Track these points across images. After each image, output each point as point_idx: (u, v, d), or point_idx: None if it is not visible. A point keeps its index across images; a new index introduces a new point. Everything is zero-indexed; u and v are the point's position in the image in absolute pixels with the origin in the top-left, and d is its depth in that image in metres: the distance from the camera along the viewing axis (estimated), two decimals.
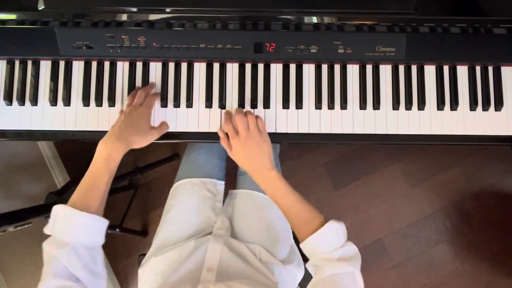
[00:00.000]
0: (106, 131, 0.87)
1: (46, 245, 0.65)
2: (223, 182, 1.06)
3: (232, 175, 1.13)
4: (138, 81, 0.88)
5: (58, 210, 0.67)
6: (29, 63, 0.88)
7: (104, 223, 0.72)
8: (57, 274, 0.62)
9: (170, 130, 0.88)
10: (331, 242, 0.69)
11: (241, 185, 1.04)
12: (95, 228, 0.69)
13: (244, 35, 0.85)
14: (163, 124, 0.87)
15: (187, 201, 1.00)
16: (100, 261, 0.69)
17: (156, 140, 0.89)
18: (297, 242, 0.98)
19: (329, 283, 0.65)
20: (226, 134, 0.84)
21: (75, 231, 0.66)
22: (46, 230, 0.68)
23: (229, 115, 0.87)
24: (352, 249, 0.70)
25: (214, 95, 0.88)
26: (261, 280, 0.80)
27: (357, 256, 0.69)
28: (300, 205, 0.75)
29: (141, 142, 0.80)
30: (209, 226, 0.96)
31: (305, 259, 0.83)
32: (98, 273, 0.67)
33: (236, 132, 0.82)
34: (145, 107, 0.82)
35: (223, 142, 0.84)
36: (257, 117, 0.84)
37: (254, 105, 0.88)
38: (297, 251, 0.99)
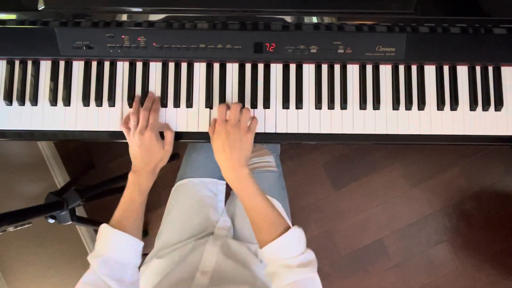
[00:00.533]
0: (106, 131, 0.88)
1: (88, 257, 0.72)
2: (224, 182, 1.06)
3: None
4: (138, 81, 0.88)
5: (100, 228, 0.76)
6: (29, 63, 0.88)
7: (137, 242, 0.76)
8: (85, 281, 0.69)
9: None
10: (293, 248, 0.69)
11: None
12: (127, 244, 0.75)
13: (244, 35, 0.85)
14: (167, 133, 0.86)
15: (188, 201, 1.00)
16: (129, 278, 0.72)
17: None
18: None
19: None
20: None
21: (109, 246, 0.73)
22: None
23: (226, 104, 0.86)
24: (311, 255, 0.70)
25: (214, 95, 0.88)
26: (257, 284, 0.80)
27: (315, 262, 0.70)
28: (266, 207, 0.75)
29: (162, 163, 0.85)
30: (210, 226, 0.96)
31: None
32: (126, 283, 0.71)
33: (226, 119, 0.81)
34: (151, 131, 0.82)
35: (210, 128, 0.84)
36: (253, 117, 0.83)
37: (254, 105, 0.88)
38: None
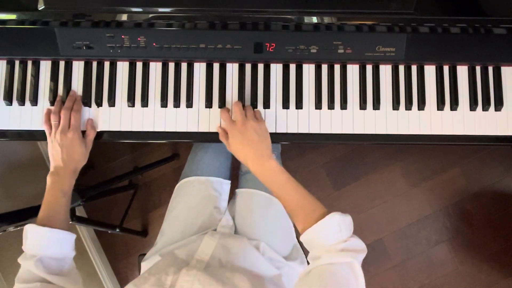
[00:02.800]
0: (106, 131, 0.88)
1: (19, 260, 0.71)
2: (229, 182, 1.06)
3: (236, 175, 1.13)
4: (138, 81, 0.88)
5: (27, 228, 0.74)
6: (29, 63, 0.88)
7: (69, 236, 0.76)
8: (21, 278, 0.69)
9: (170, 130, 0.88)
10: (331, 235, 0.65)
11: (242, 184, 1.05)
12: (59, 240, 0.74)
13: (244, 35, 0.85)
14: (89, 130, 0.86)
15: (193, 199, 1.00)
16: (67, 270, 0.74)
17: (156, 140, 0.90)
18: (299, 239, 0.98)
19: (324, 272, 0.61)
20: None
21: (40, 245, 0.72)
22: (23, 248, 0.74)
23: (226, 108, 0.86)
24: (356, 243, 0.66)
25: (214, 95, 0.88)
26: (253, 274, 0.79)
27: (362, 250, 0.65)
28: (301, 195, 0.72)
29: (84, 162, 0.85)
30: (213, 225, 0.96)
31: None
32: (68, 276, 0.72)
33: (233, 120, 0.81)
34: (73, 132, 0.82)
35: (222, 137, 0.83)
36: (254, 109, 0.83)
37: (254, 105, 0.88)
38: (300, 249, 0.98)
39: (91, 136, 0.86)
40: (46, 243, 0.72)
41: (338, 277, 0.60)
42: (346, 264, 0.62)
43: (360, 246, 0.66)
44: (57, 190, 0.79)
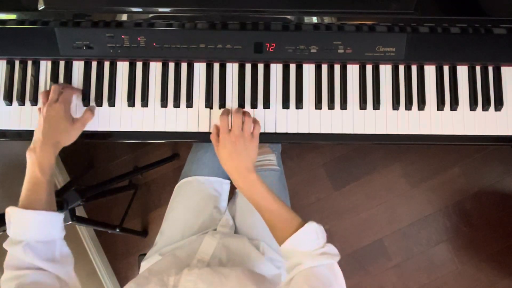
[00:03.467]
0: (106, 131, 0.88)
1: (4, 245, 0.68)
2: (229, 181, 1.06)
3: None
4: (138, 81, 0.88)
5: (9, 212, 0.70)
6: (29, 63, 0.88)
7: (56, 216, 0.73)
8: (11, 266, 0.65)
9: (170, 130, 0.88)
10: (310, 243, 0.69)
11: None
12: (45, 223, 0.70)
13: (244, 35, 0.85)
14: (86, 112, 0.84)
15: (193, 199, 1.00)
16: (57, 253, 0.70)
17: (156, 140, 0.90)
18: None
19: (308, 275, 0.64)
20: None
21: (26, 228, 0.68)
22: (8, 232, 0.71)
23: (227, 111, 0.86)
24: (332, 249, 0.69)
25: (214, 95, 0.88)
26: (254, 269, 0.80)
27: (337, 256, 0.69)
28: (279, 207, 0.75)
29: (68, 139, 0.81)
30: (213, 225, 0.97)
31: None
32: (58, 261, 0.69)
33: (229, 128, 0.81)
34: (60, 103, 0.79)
35: (213, 136, 0.83)
36: (255, 121, 0.83)
37: (254, 105, 0.88)
38: None
39: (85, 117, 0.83)
40: (31, 227, 0.69)
41: (322, 278, 0.64)
42: (327, 265, 0.66)
43: (335, 251, 0.70)
44: (35, 169, 0.73)
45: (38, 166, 0.74)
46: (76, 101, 0.87)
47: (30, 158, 0.75)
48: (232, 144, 0.78)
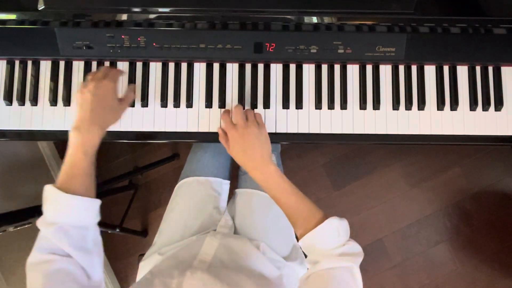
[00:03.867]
0: (106, 131, 0.87)
1: (37, 224, 0.65)
2: (228, 182, 1.06)
3: (235, 175, 1.14)
4: (138, 81, 0.88)
5: (46, 191, 0.67)
6: (29, 63, 0.88)
7: (92, 202, 0.69)
8: (41, 248, 0.62)
9: (170, 130, 0.88)
10: (330, 240, 0.67)
11: (242, 184, 1.05)
12: (81, 208, 0.67)
13: (244, 35, 0.85)
14: (129, 91, 0.83)
15: (192, 200, 1.00)
16: (90, 239, 0.67)
17: (156, 140, 0.90)
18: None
19: (325, 277, 0.62)
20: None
21: (61, 212, 0.66)
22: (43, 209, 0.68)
23: (227, 110, 0.86)
24: (354, 247, 0.67)
25: (214, 95, 0.88)
26: (255, 272, 0.80)
27: (360, 255, 0.67)
28: (300, 201, 0.73)
29: (115, 119, 0.79)
30: (213, 225, 0.97)
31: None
32: (89, 250, 0.66)
33: (234, 124, 0.80)
34: (109, 80, 0.76)
35: (221, 138, 0.82)
36: (255, 112, 0.83)
37: (254, 105, 0.88)
38: (300, 249, 0.98)
39: (129, 95, 0.81)
40: (66, 211, 0.65)
41: (338, 281, 0.61)
42: (346, 268, 0.63)
43: (357, 250, 0.67)
44: (78, 146, 0.69)
45: (82, 147, 0.69)
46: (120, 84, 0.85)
47: (75, 137, 0.70)
48: (242, 136, 0.77)
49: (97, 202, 0.70)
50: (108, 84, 0.76)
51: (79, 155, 0.69)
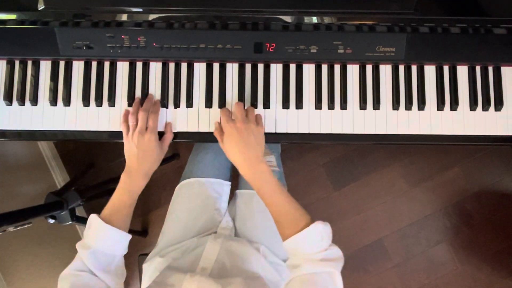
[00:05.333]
0: (106, 131, 0.88)
1: (77, 245, 0.75)
2: (229, 183, 1.06)
3: (236, 176, 1.14)
4: (138, 81, 0.88)
5: (91, 218, 0.77)
6: (29, 63, 0.88)
7: (125, 236, 0.79)
8: (74, 267, 0.73)
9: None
10: (314, 244, 0.67)
11: (243, 185, 1.04)
12: (115, 240, 0.77)
13: (244, 35, 0.85)
14: (168, 134, 0.86)
15: (193, 201, 1.00)
16: (114, 266, 0.76)
17: None
18: None
19: (306, 281, 0.63)
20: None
21: (98, 239, 0.75)
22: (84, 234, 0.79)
23: (228, 109, 0.86)
24: (336, 252, 0.68)
25: (214, 95, 0.88)
26: (256, 277, 0.80)
27: (340, 259, 0.68)
28: (288, 202, 0.73)
29: (157, 165, 0.85)
30: (213, 226, 0.96)
31: None
32: (111, 273, 0.75)
33: (232, 119, 0.80)
34: (151, 133, 0.81)
35: (216, 132, 0.82)
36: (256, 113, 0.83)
37: (254, 105, 0.88)
38: None
39: (168, 139, 0.86)
40: (103, 239, 0.75)
41: (319, 286, 0.63)
42: (327, 273, 0.64)
43: (338, 255, 0.68)
44: (125, 190, 0.80)
45: (129, 190, 0.81)
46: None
47: (124, 182, 0.81)
48: (239, 131, 0.76)
49: (129, 237, 0.80)
50: (151, 137, 0.81)
51: (125, 198, 0.80)
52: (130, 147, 0.82)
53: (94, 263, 0.72)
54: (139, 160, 0.81)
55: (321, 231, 0.69)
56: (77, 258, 0.74)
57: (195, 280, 0.72)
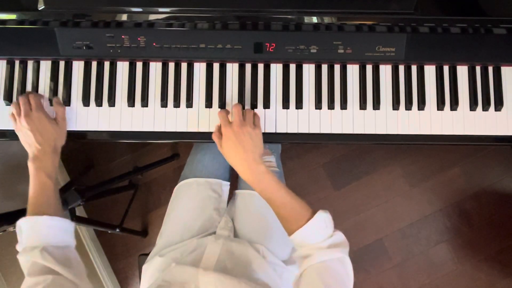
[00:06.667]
0: (106, 131, 0.88)
1: (19, 256, 0.70)
2: (228, 183, 1.06)
3: (235, 176, 1.14)
4: (138, 81, 0.88)
5: (20, 223, 0.71)
6: (29, 63, 0.88)
7: (67, 223, 0.74)
8: (31, 273, 0.66)
9: (170, 130, 0.88)
10: (320, 232, 0.69)
11: (242, 185, 1.04)
12: (59, 227, 0.73)
13: (244, 35, 0.85)
14: (56, 107, 0.84)
15: (192, 201, 1.00)
16: (74, 259, 0.72)
17: (156, 140, 0.90)
18: None
19: (320, 269, 0.65)
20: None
21: (41, 234, 0.70)
22: (18, 247, 0.72)
23: (226, 110, 0.86)
24: (340, 237, 0.70)
25: (214, 95, 0.88)
26: (256, 279, 0.80)
27: (345, 243, 0.70)
28: (290, 199, 0.74)
29: (61, 139, 0.83)
30: (212, 226, 0.96)
31: None
32: (73, 266, 0.70)
33: (230, 121, 0.80)
34: (37, 111, 0.80)
35: (214, 135, 0.82)
36: (254, 113, 0.83)
37: (254, 105, 0.88)
38: None
39: (60, 113, 0.84)
40: (46, 232, 0.70)
41: (334, 273, 0.65)
42: (337, 259, 0.67)
43: (342, 239, 0.71)
44: (42, 175, 0.76)
45: (44, 172, 0.76)
46: (44, 103, 0.87)
47: (35, 166, 0.76)
48: (236, 135, 0.77)
49: (72, 224, 0.75)
50: (38, 114, 0.80)
51: (43, 179, 0.75)
52: (24, 133, 0.79)
53: (52, 259, 0.66)
54: (39, 142, 0.78)
55: (324, 219, 0.71)
56: (27, 264, 0.68)
57: (210, 276, 0.72)
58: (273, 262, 0.88)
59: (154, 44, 0.85)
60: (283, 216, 0.74)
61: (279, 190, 0.75)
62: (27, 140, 0.79)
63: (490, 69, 0.89)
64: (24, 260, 0.69)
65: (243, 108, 0.88)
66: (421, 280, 1.75)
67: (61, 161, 1.76)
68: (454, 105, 0.88)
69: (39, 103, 0.82)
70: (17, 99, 0.85)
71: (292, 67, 0.89)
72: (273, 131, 0.87)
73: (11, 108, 0.83)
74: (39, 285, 0.63)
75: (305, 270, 0.66)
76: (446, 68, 0.89)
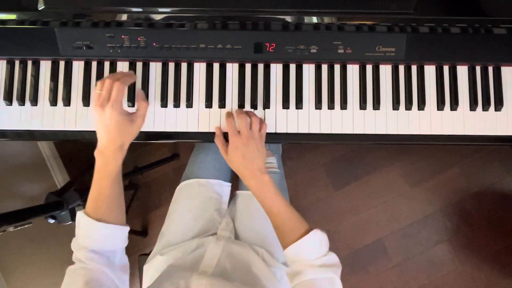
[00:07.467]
0: None
1: (71, 245, 0.72)
2: (229, 184, 1.06)
3: (236, 176, 1.14)
4: (138, 81, 0.88)
5: (79, 216, 0.73)
6: (29, 63, 0.88)
7: (122, 230, 0.75)
8: (85, 258, 0.69)
9: (170, 130, 0.88)
10: (314, 250, 0.70)
11: (243, 186, 1.05)
12: (111, 236, 0.73)
13: (244, 35, 0.85)
14: (141, 104, 0.78)
15: (194, 201, 1.00)
16: (117, 260, 0.73)
17: (156, 140, 0.90)
18: None
19: (308, 287, 0.66)
20: (224, 134, 0.84)
21: (92, 238, 0.72)
22: (74, 238, 0.74)
23: (231, 114, 0.86)
24: (334, 258, 0.70)
25: (214, 95, 0.88)
26: (256, 281, 0.80)
27: (338, 265, 0.70)
28: (288, 211, 0.75)
29: (129, 138, 0.75)
30: (213, 227, 0.97)
31: None
32: (116, 268, 0.72)
33: (237, 131, 0.80)
34: (111, 107, 0.71)
35: (218, 140, 0.83)
36: (261, 121, 0.83)
37: (254, 105, 0.88)
38: None
39: (141, 110, 0.77)
40: (96, 238, 0.71)
41: None
42: (328, 279, 0.67)
43: (336, 261, 0.71)
44: (100, 174, 0.72)
45: (104, 169, 0.72)
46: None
47: (98, 162, 0.73)
48: (244, 145, 0.78)
49: (126, 229, 0.76)
50: (112, 113, 0.71)
51: (103, 178, 0.73)
52: (96, 121, 0.73)
53: (96, 261, 0.69)
54: (104, 136, 0.72)
55: (320, 237, 0.71)
56: (75, 257, 0.71)
57: (203, 278, 0.73)
58: (272, 265, 0.89)
59: (154, 44, 0.85)
60: (279, 228, 0.76)
61: (278, 201, 0.76)
62: (97, 127, 0.73)
63: (490, 69, 0.89)
64: (74, 252, 0.72)
65: (243, 107, 0.88)
66: (421, 280, 1.75)
67: (61, 161, 1.76)
68: (454, 105, 0.88)
69: (118, 97, 0.72)
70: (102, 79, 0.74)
71: (292, 67, 0.89)
72: (273, 131, 0.87)
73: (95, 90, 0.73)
74: (84, 271, 0.67)
75: (295, 286, 0.67)
76: (446, 68, 0.89)
